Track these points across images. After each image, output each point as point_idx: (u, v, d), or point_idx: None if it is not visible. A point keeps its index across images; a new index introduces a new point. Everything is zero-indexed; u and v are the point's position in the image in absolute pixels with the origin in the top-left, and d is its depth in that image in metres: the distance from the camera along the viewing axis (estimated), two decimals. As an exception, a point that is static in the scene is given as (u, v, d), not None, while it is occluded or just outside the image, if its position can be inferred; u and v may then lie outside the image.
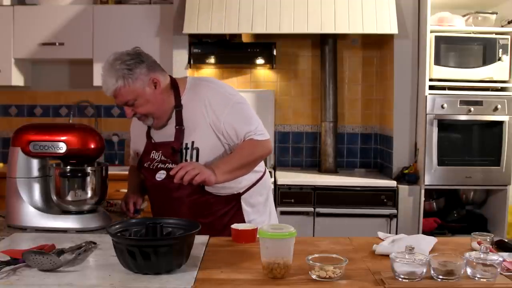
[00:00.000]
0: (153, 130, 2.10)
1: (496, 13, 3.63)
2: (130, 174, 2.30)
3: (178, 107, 2.03)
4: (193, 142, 2.00)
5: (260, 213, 2.15)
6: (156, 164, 2.06)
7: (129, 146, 2.34)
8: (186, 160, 2.00)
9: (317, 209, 3.60)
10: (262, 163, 2.18)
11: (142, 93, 1.96)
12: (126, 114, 2.02)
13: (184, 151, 2.01)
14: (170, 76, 2.09)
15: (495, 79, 3.57)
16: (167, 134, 2.04)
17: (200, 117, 2.00)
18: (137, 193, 2.16)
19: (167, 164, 2.03)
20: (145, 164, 2.10)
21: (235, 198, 2.07)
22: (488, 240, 1.72)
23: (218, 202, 2.05)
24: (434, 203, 3.73)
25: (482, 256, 1.43)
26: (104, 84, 1.96)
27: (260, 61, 3.94)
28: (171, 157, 2.02)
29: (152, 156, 2.08)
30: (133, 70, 1.93)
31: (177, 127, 2.02)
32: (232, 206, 2.06)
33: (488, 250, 1.46)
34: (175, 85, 2.06)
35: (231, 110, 2.01)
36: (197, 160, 2.00)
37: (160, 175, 2.04)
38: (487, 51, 3.54)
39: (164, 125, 2.06)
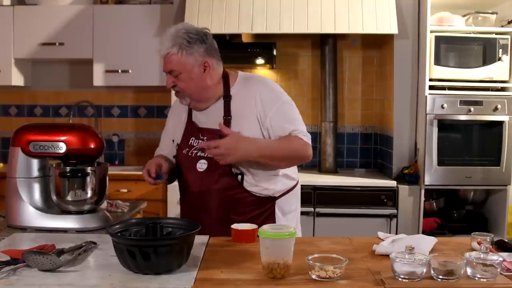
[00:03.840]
0: (196, 116, 2.07)
1: (496, 13, 3.63)
2: (154, 157, 2.21)
3: (227, 97, 2.03)
4: (238, 133, 1.98)
5: (289, 221, 2.11)
6: (195, 151, 2.03)
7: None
8: None
9: (317, 209, 3.60)
10: (296, 171, 2.16)
11: (190, 69, 1.97)
12: (167, 83, 2.01)
13: None
14: (224, 68, 2.09)
15: (495, 79, 3.57)
16: (212, 121, 2.02)
17: (249, 110, 2.00)
18: (162, 158, 2.09)
19: (207, 154, 1.99)
20: (183, 151, 2.06)
21: (270, 202, 2.04)
22: (488, 240, 1.71)
23: (254, 202, 2.01)
24: (434, 203, 3.73)
25: (482, 256, 1.43)
26: (161, 44, 1.98)
27: (260, 61, 3.94)
28: None
29: (191, 142, 2.05)
30: (191, 44, 1.95)
31: (224, 117, 2.01)
32: (266, 209, 2.03)
33: (488, 250, 1.46)
34: (226, 76, 2.07)
35: (280, 108, 2.01)
36: None
37: (202, 165, 2.01)
38: (487, 51, 3.54)
39: (203, 109, 2.05)
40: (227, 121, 2.00)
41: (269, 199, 2.03)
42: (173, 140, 2.14)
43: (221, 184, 1.99)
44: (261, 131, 2.00)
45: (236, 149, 1.87)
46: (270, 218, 2.03)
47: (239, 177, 2.00)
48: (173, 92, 4.12)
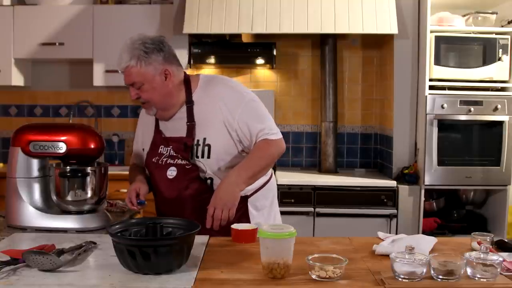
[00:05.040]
0: (163, 124, 2.08)
1: (496, 13, 3.63)
2: (131, 170, 2.24)
3: (189, 103, 2.03)
4: (204, 139, 2.00)
5: (265, 217, 2.13)
6: (165, 159, 2.04)
7: (131, 145, 2.33)
8: (197, 157, 1.99)
9: (317, 209, 3.60)
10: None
11: (151, 79, 1.97)
12: (131, 95, 2.01)
13: (195, 147, 2.00)
14: (185, 73, 2.09)
15: (495, 79, 3.57)
16: (178, 129, 2.03)
17: (213, 114, 2.00)
18: (139, 182, 2.07)
19: (176, 160, 2.01)
20: (153, 159, 2.07)
21: (242, 201, 2.03)
22: (488, 240, 1.72)
23: None
24: (434, 203, 3.73)
25: (482, 256, 1.43)
26: (119, 58, 1.99)
27: (260, 61, 3.94)
28: (182, 153, 2.00)
29: (161, 151, 2.06)
30: (149, 54, 1.95)
31: (188, 123, 2.01)
32: (238, 208, 2.02)
33: (488, 250, 1.46)
34: (187, 81, 2.06)
35: (245, 107, 2.01)
36: (208, 156, 1.99)
37: (172, 172, 2.02)
38: (487, 51, 3.54)
39: (169, 117, 2.05)
40: (191, 126, 2.01)
41: (241, 199, 2.02)
42: (143, 149, 2.15)
43: (192, 189, 2.00)
44: (229, 135, 2.00)
45: (226, 196, 1.88)
46: (243, 216, 2.04)
47: (208, 181, 2.01)
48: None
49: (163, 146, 2.06)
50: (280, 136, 2.05)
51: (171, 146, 2.04)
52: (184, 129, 2.02)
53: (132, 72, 1.96)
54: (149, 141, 2.11)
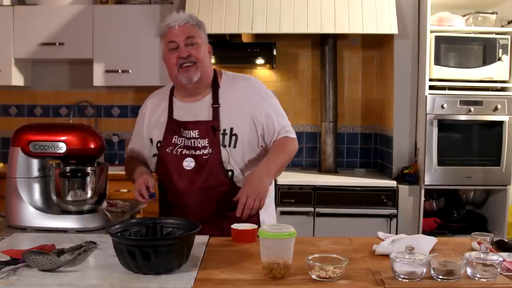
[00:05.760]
0: (180, 112, 2.04)
1: (496, 13, 3.63)
2: (130, 162, 2.18)
3: (216, 86, 2.05)
4: (231, 128, 1.99)
5: (269, 215, 2.14)
6: (180, 149, 2.00)
7: (129, 141, 2.28)
8: (224, 146, 1.98)
9: (317, 209, 3.60)
10: None
11: (203, 43, 2.02)
12: (181, 52, 1.97)
13: (222, 136, 1.98)
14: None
15: (495, 79, 3.57)
16: (200, 114, 2.02)
17: (240, 106, 2.01)
18: (146, 174, 2.02)
19: (191, 151, 1.99)
20: (167, 150, 2.03)
21: None
22: (488, 240, 1.72)
23: None
24: (434, 203, 3.73)
25: (482, 256, 1.43)
26: (176, 16, 2.00)
27: (260, 61, 3.94)
28: (211, 137, 1.97)
29: (175, 141, 2.02)
30: (203, 26, 2.04)
31: (213, 105, 2.01)
32: None
33: (488, 250, 1.46)
34: (214, 70, 2.10)
35: (271, 103, 2.06)
36: (235, 146, 1.98)
37: (189, 163, 1.99)
38: (487, 51, 3.54)
39: (198, 94, 2.04)
40: (215, 109, 2.00)
41: None
42: (151, 139, 2.10)
43: (211, 181, 1.98)
44: (255, 128, 2.01)
45: (259, 186, 1.89)
46: (255, 214, 2.02)
47: (229, 173, 2.00)
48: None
49: (177, 136, 2.02)
50: (295, 135, 2.12)
51: (190, 131, 1.99)
52: (206, 115, 2.00)
53: (190, 29, 1.98)
54: (160, 130, 2.06)
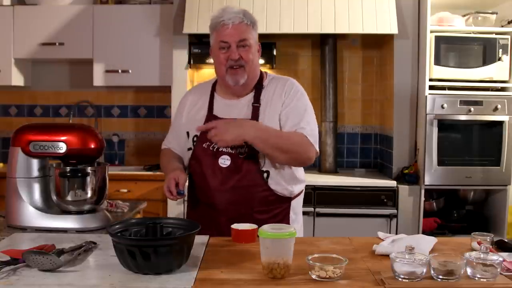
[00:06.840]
0: (221, 108, 2.03)
1: (496, 13, 3.63)
2: (164, 156, 2.16)
3: (260, 86, 2.04)
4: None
5: (299, 224, 2.11)
6: (217, 146, 1.95)
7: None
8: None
9: (317, 209, 3.60)
10: (304, 175, 2.14)
11: (255, 44, 2.00)
12: (232, 54, 1.94)
13: None
14: None
15: (495, 79, 3.57)
16: (238, 111, 2.00)
17: (272, 106, 2.00)
18: (178, 170, 1.98)
19: (228, 148, 1.95)
20: (203, 145, 1.99)
21: (287, 202, 2.03)
22: (488, 240, 1.71)
23: (275, 201, 2.00)
24: (434, 203, 3.73)
25: (482, 256, 1.43)
26: (230, 11, 1.95)
27: (260, 61, 3.93)
28: None
29: None
30: (256, 25, 2.00)
31: (253, 104, 2.00)
32: (283, 208, 2.02)
33: (488, 250, 1.46)
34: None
35: (297, 105, 2.00)
36: None
37: (225, 161, 1.95)
38: (487, 51, 3.54)
39: (243, 94, 2.03)
40: (256, 108, 1.99)
41: (286, 199, 2.02)
42: (187, 132, 2.07)
43: (246, 181, 1.94)
44: (279, 126, 1.98)
45: (235, 130, 1.84)
46: (285, 218, 2.02)
47: (265, 174, 1.97)
48: (173, 92, 4.10)
49: None
50: (316, 145, 2.00)
51: None
52: (246, 113, 1.98)
53: (244, 30, 1.95)
54: (197, 124, 2.01)
